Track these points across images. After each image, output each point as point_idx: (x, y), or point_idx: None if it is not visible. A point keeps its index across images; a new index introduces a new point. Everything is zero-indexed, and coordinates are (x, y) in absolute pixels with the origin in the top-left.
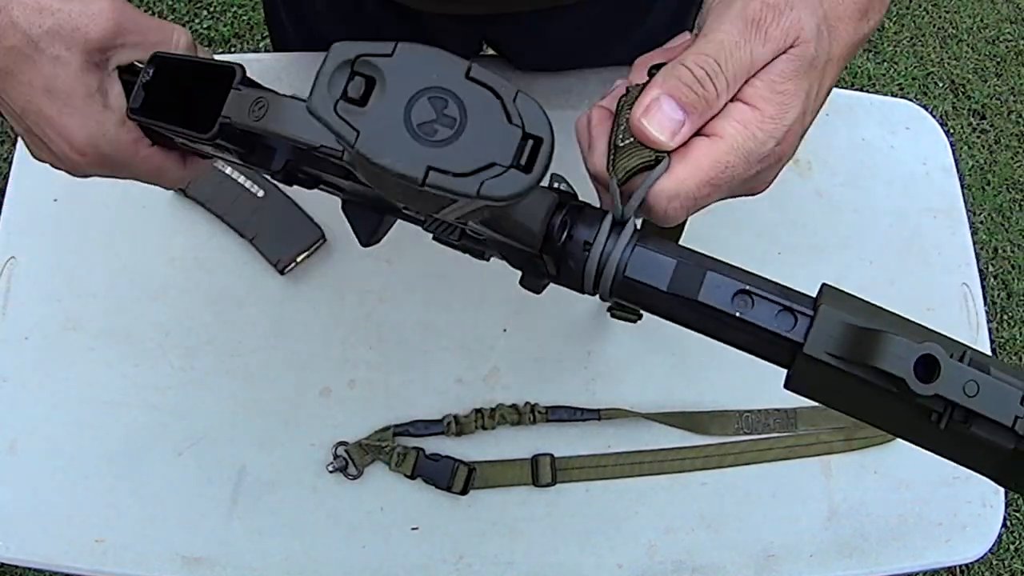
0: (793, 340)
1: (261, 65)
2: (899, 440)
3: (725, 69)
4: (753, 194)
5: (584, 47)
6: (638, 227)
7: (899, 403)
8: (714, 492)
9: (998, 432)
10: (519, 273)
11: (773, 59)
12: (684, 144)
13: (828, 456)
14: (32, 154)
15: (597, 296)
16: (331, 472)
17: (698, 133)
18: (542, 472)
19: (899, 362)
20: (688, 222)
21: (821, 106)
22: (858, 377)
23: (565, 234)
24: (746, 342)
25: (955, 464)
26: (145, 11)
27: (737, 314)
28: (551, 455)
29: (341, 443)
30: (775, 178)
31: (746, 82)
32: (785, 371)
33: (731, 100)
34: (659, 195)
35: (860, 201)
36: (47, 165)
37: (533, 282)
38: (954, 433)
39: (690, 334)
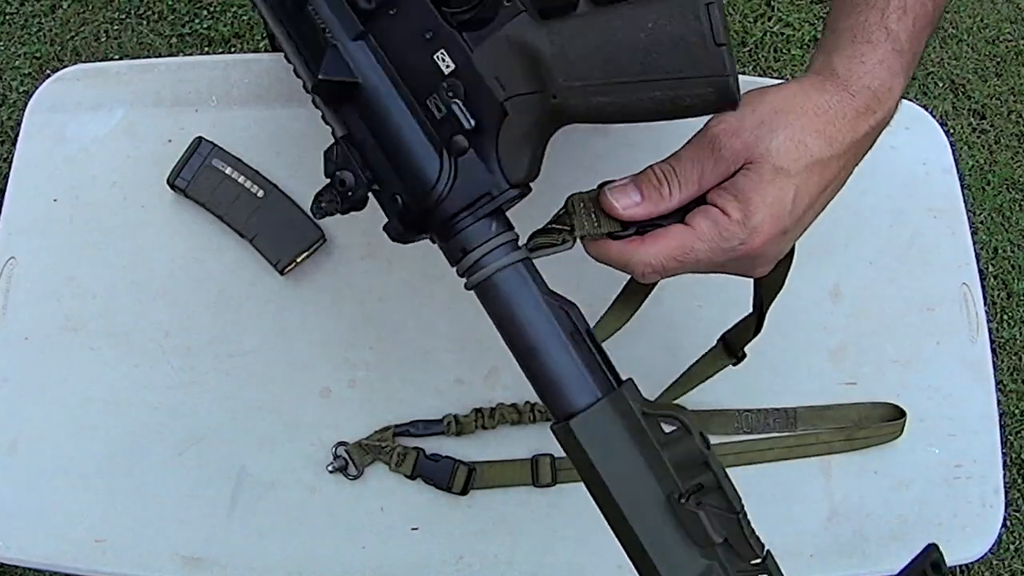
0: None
1: (261, 65)
2: (899, 440)
3: (678, 175)
4: (749, 276)
5: None
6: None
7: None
8: None
9: None
10: None
11: (735, 173)
12: (665, 228)
13: (828, 456)
14: None
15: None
16: (331, 472)
17: (681, 222)
18: (542, 472)
19: None
20: None
21: (820, 201)
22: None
23: (466, 213)
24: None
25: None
26: (145, 11)
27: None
28: (551, 455)
29: (341, 443)
30: (770, 265)
31: (716, 191)
32: None
33: (709, 204)
34: (636, 262)
35: (860, 201)
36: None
37: (397, 230)
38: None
39: (691, 334)
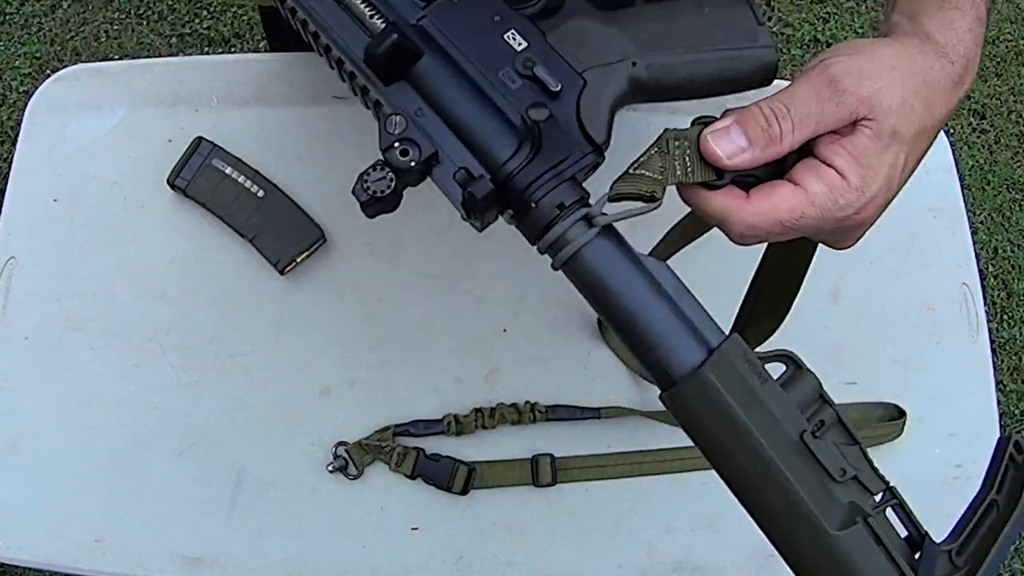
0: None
1: (261, 65)
2: (899, 440)
3: (792, 114)
4: (836, 248)
5: None
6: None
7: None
8: (714, 492)
9: None
10: (519, 273)
11: (854, 130)
12: (771, 185)
13: None
14: None
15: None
16: (331, 472)
17: (788, 180)
18: (542, 472)
19: None
20: None
21: (911, 173)
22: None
23: (543, 190)
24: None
25: None
26: (145, 11)
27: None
28: (551, 455)
29: (341, 443)
30: (860, 238)
31: (830, 148)
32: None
33: (821, 162)
34: (737, 222)
35: None
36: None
37: (479, 218)
38: None
39: None
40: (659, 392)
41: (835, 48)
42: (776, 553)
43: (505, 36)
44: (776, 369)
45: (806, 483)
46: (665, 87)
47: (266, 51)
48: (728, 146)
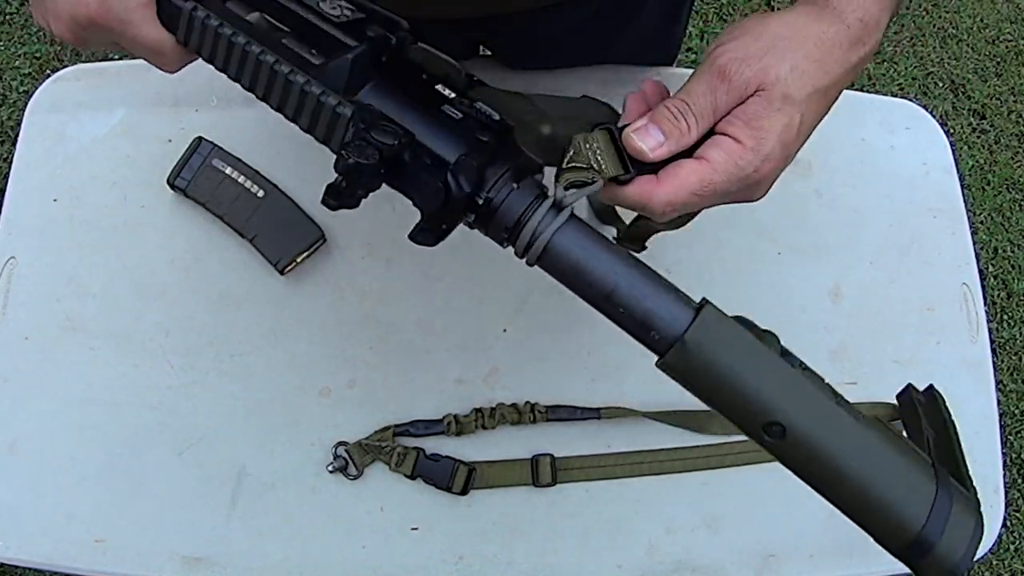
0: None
1: None
2: None
3: (693, 109)
4: (749, 201)
5: (578, 46)
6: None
7: None
8: (714, 492)
9: None
10: (519, 273)
11: (745, 101)
12: (677, 165)
13: None
14: (35, 12)
15: (515, 252)
16: (331, 472)
17: (690, 156)
18: (542, 472)
19: None
20: (691, 224)
21: (812, 129)
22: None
23: (499, 195)
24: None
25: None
26: None
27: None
28: (551, 455)
29: (341, 443)
30: (767, 191)
31: (726, 120)
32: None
33: (719, 134)
34: (656, 203)
35: (860, 201)
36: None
37: (432, 230)
38: None
39: None
40: (655, 360)
41: (725, 31)
42: (776, 553)
43: (436, 87)
44: None
45: (823, 392)
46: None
47: None
48: (650, 141)
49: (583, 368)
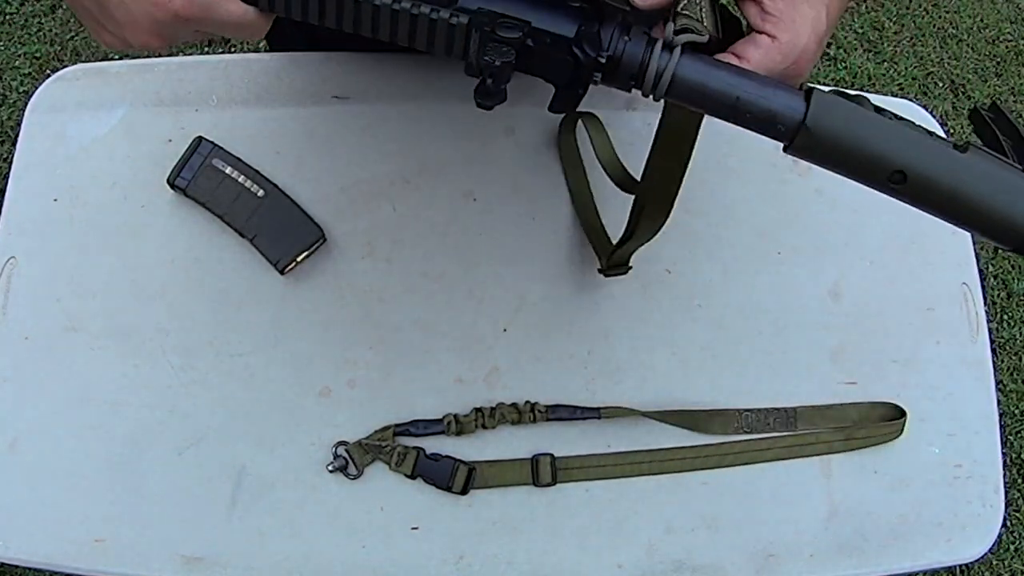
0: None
1: (261, 65)
2: (899, 440)
3: None
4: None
5: None
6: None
7: None
8: (714, 492)
9: None
10: (519, 273)
11: None
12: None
13: (828, 456)
14: (100, 37)
15: (642, 93)
16: (331, 472)
17: (732, 53)
18: (542, 472)
19: None
20: (689, 223)
21: (828, 33)
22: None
23: (617, 50)
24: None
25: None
26: None
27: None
28: (551, 455)
29: (341, 443)
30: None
31: (761, 17)
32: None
33: (756, 32)
34: None
35: (860, 201)
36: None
37: (568, 99)
38: None
39: (690, 333)
40: (784, 146)
41: None
42: (776, 553)
43: None
44: None
45: (924, 134)
46: None
47: (266, 51)
48: None
49: (583, 368)
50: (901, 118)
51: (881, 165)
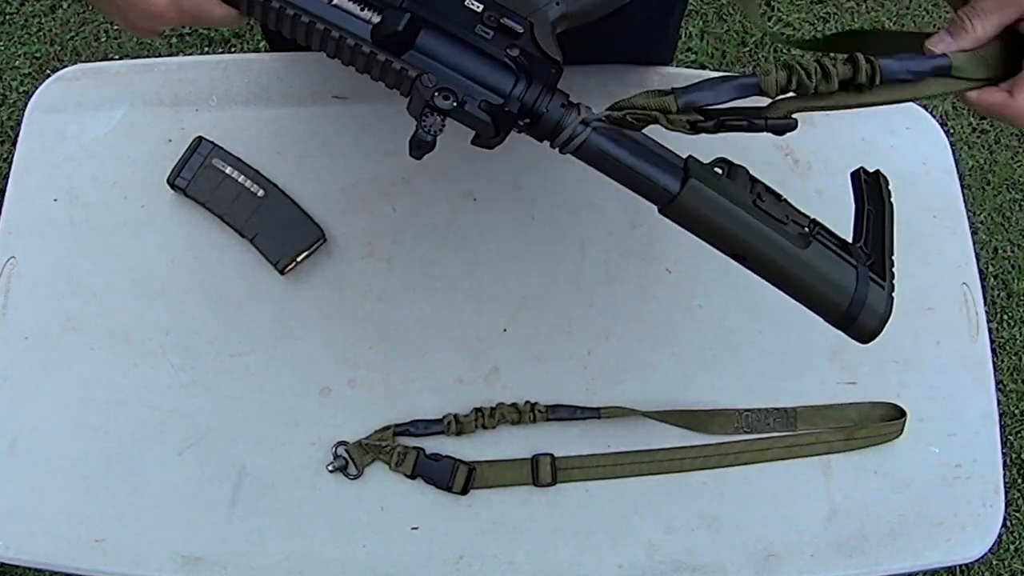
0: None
1: (261, 65)
2: (899, 440)
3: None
4: None
5: (572, 48)
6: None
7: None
8: (714, 492)
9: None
10: (519, 272)
11: None
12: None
13: (828, 456)
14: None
15: (554, 147)
16: (331, 472)
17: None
18: (542, 472)
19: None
20: None
21: None
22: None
23: (540, 107)
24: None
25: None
26: None
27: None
28: (551, 455)
29: (341, 443)
30: None
31: None
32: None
33: None
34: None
35: None
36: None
37: (491, 142)
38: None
39: (690, 333)
40: (658, 208)
41: None
42: (776, 553)
43: (466, 4)
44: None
45: (775, 229)
46: (584, 12)
47: (266, 51)
48: (939, 44)
49: (583, 368)
50: (778, 205)
51: (728, 245)
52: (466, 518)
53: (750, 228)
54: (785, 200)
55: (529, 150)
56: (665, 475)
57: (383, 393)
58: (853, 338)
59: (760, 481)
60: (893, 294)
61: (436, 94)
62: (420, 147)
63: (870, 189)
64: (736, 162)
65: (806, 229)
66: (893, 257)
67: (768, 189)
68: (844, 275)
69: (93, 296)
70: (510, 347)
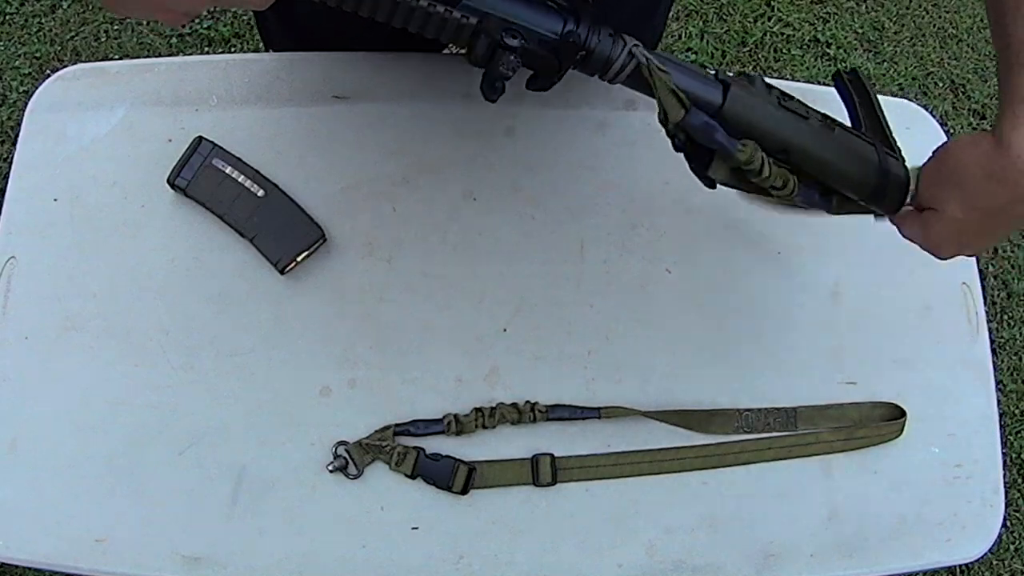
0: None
1: (261, 65)
2: (899, 440)
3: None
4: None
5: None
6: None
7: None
8: (714, 492)
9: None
10: (519, 272)
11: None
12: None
13: (828, 456)
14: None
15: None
16: (331, 472)
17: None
18: (542, 472)
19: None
20: (691, 224)
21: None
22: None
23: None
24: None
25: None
26: None
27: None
28: (551, 455)
29: (341, 443)
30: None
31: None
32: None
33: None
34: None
35: None
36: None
37: (547, 82)
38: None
39: (690, 333)
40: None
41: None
42: (776, 553)
43: None
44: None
45: (805, 122)
46: None
47: (266, 51)
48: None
49: (583, 368)
50: (794, 103)
51: (771, 142)
52: (466, 518)
53: (787, 123)
54: (798, 99)
55: (529, 150)
56: (665, 475)
57: (383, 393)
58: (885, 211)
59: (760, 481)
60: (907, 164)
61: (503, 34)
62: (495, 88)
63: (854, 85)
64: (751, 72)
65: (824, 120)
66: (896, 141)
67: (783, 92)
68: (867, 151)
69: (93, 296)
70: (510, 347)
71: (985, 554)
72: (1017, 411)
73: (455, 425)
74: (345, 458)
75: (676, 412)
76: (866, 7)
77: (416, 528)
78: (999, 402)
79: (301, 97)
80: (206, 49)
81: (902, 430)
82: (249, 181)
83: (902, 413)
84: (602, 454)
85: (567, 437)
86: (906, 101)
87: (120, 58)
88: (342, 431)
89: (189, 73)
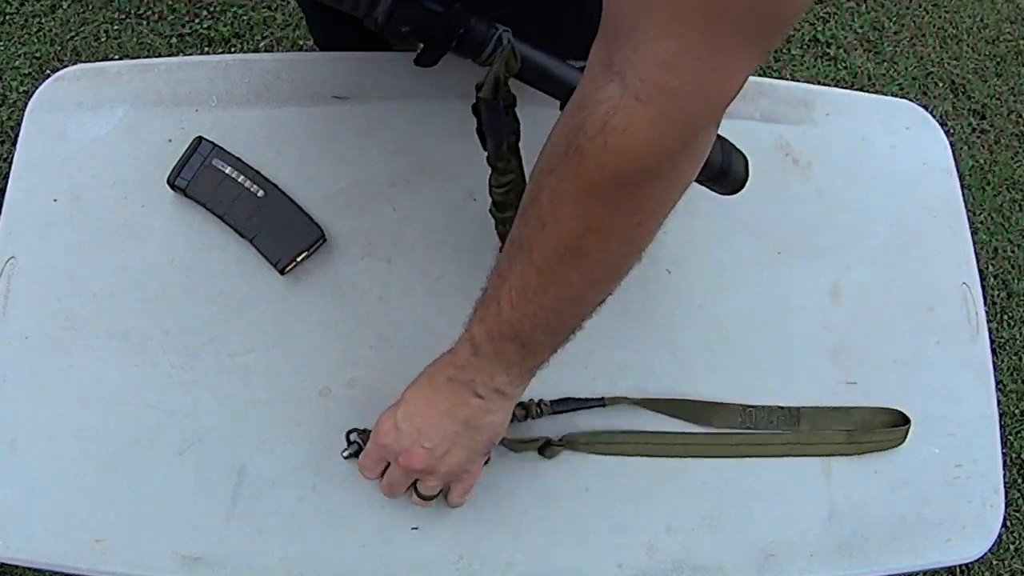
0: None
1: (261, 65)
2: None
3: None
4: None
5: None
6: None
7: None
8: (715, 491)
9: None
10: None
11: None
12: None
13: (829, 456)
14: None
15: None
16: (346, 458)
17: None
18: (550, 449)
19: None
20: (689, 223)
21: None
22: None
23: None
24: None
25: None
26: (145, 11)
27: None
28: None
29: (353, 429)
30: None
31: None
32: None
33: None
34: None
35: (860, 201)
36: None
37: (430, 57)
38: None
39: (690, 333)
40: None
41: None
42: (776, 553)
43: None
44: None
45: None
46: None
47: (266, 51)
48: None
49: (583, 368)
50: None
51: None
52: (466, 518)
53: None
54: None
55: (530, 150)
56: (665, 475)
57: (383, 393)
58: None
59: (761, 480)
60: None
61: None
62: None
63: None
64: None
65: None
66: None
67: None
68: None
69: (93, 296)
70: None
71: (985, 554)
72: (1017, 411)
73: None
74: (359, 444)
75: (680, 402)
76: (866, 7)
77: (416, 528)
78: (999, 402)
79: (301, 97)
80: (206, 49)
81: (905, 436)
82: (249, 181)
83: (906, 420)
84: (605, 431)
85: (572, 428)
86: (906, 101)
87: (120, 58)
88: (342, 431)
89: (189, 73)
